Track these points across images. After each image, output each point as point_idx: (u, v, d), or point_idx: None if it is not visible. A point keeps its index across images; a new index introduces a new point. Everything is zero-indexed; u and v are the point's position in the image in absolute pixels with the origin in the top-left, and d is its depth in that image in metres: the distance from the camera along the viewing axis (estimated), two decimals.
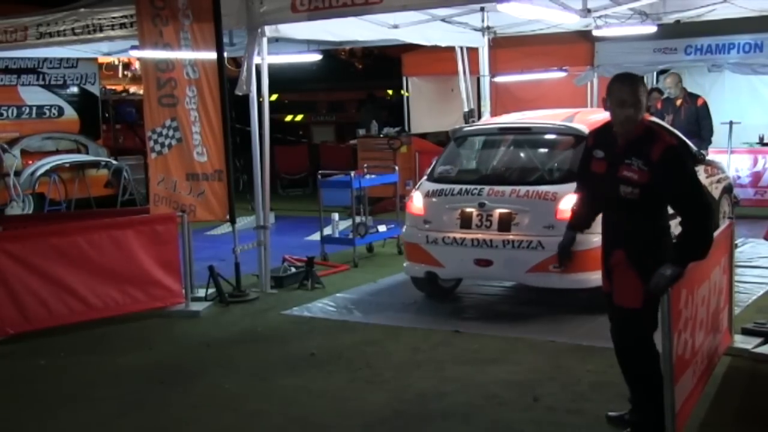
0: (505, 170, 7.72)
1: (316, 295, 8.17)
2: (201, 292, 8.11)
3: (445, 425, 5.03)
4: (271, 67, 8.32)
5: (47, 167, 13.37)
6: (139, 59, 10.05)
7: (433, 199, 7.42)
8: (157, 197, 8.19)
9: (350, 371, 6.00)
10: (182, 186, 8.07)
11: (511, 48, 12.22)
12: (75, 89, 15.29)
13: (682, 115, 10.84)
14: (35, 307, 7.15)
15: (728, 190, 9.52)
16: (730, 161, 11.75)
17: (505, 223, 6.99)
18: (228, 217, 8.10)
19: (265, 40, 8.06)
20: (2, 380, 6.20)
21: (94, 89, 15.66)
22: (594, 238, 5.77)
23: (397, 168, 11.00)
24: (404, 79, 15.55)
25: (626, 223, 4.53)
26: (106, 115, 16.67)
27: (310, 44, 11.27)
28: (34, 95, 14.64)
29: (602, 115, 7.25)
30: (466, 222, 7.16)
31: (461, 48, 11.70)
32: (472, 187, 7.22)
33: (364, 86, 20.92)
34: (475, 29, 11.10)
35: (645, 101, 4.49)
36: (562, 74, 13.02)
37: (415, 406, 5.31)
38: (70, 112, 15.21)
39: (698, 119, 10.75)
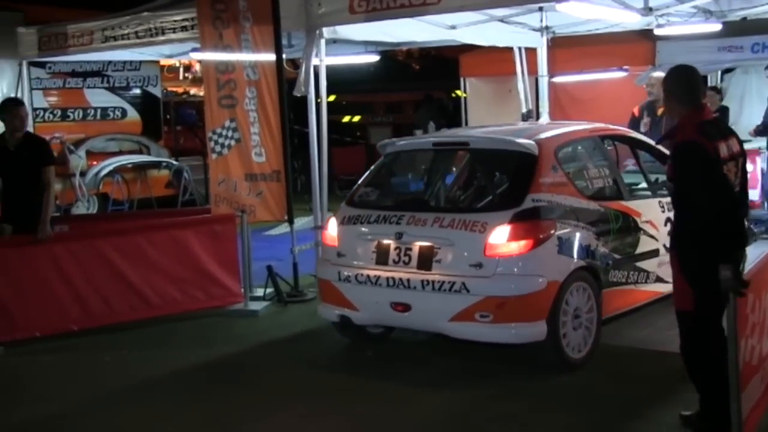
0: (431, 194, 6.83)
1: None
2: (259, 292, 8.20)
3: (502, 426, 5.01)
4: (328, 69, 8.37)
5: (111, 168, 13.64)
6: (199, 61, 10.19)
7: (348, 227, 6.20)
8: (218, 198, 8.29)
9: (408, 372, 6.02)
10: (242, 186, 8.16)
11: (569, 48, 12.08)
12: (138, 91, 15.56)
13: (662, 126, 9.07)
14: (98, 305, 7.32)
15: None
16: None
17: (425, 259, 5.75)
18: (286, 217, 8.17)
19: (323, 41, 8.11)
20: (68, 375, 6.37)
21: (156, 91, 15.91)
22: (540, 279, 5.45)
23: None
24: (462, 79, 15.49)
25: (674, 221, 4.57)
26: (167, 116, 16.93)
27: (367, 45, 11.29)
28: (98, 97, 14.94)
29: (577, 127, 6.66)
30: (382, 256, 5.93)
31: (519, 48, 11.61)
32: (392, 213, 6.01)
33: (422, 87, 20.92)
34: (534, 29, 11.00)
35: (679, 95, 4.53)
36: (622, 74, 12.83)
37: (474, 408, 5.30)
38: (132, 114, 15.48)
39: None
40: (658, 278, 6.55)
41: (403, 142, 6.94)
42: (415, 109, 21.44)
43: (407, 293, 5.74)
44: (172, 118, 17.22)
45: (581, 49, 12.50)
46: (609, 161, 6.66)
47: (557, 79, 12.60)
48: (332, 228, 6.32)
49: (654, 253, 6.50)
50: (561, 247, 5.63)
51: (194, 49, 9.70)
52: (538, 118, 11.43)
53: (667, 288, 6.35)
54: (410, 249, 5.81)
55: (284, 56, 8.25)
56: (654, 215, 6.58)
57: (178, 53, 11.79)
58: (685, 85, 4.56)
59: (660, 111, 9.26)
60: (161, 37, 9.34)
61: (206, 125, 8.44)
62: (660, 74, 9.19)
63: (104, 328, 7.29)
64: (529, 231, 5.54)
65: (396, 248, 5.87)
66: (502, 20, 10.19)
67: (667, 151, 6.96)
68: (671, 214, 6.33)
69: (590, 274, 5.88)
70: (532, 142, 5.95)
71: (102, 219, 11.12)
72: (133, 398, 5.78)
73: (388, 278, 5.81)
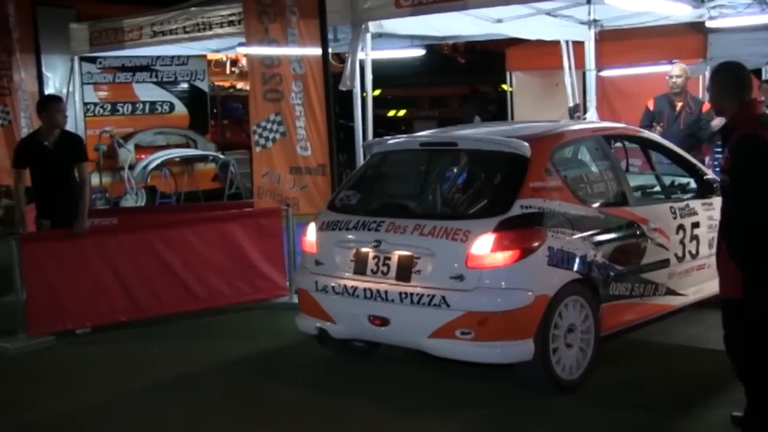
0: (413, 198, 6.30)
1: None
2: None
3: (555, 421, 4.98)
4: (374, 63, 8.37)
5: (159, 161, 13.83)
6: (245, 55, 10.26)
7: (327, 234, 5.80)
8: (261, 190, 8.35)
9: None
10: (286, 179, 8.20)
11: (617, 41, 11.93)
12: (185, 86, 15.73)
13: (681, 122, 8.74)
14: (146, 296, 7.43)
15: None
16: None
17: (404, 270, 5.32)
18: None
19: (369, 35, 8.11)
20: (117, 365, 6.48)
21: (203, 85, 16.07)
22: (527, 293, 5.02)
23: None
24: (508, 73, 15.39)
25: (727, 213, 4.53)
26: (214, 110, 17.10)
27: (413, 39, 11.28)
28: (147, 92, 15.14)
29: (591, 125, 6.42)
30: (360, 265, 5.53)
31: (566, 42, 11.49)
32: (371, 219, 5.59)
33: (467, 81, 20.83)
34: (581, 22, 10.88)
35: (730, 91, 4.54)
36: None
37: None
38: (180, 108, 15.65)
39: (699, 131, 8.71)
40: (669, 290, 6.13)
41: (390, 142, 6.47)
42: (460, 103, 21.37)
43: (385, 306, 5.32)
44: (218, 112, 17.38)
45: (630, 42, 12.33)
46: (613, 163, 6.14)
47: (605, 73, 12.45)
48: (311, 234, 5.92)
49: (664, 264, 6.04)
50: (552, 258, 5.16)
51: (241, 44, 9.78)
52: (585, 112, 11.32)
53: (680, 301, 6.25)
54: (389, 258, 5.40)
55: (330, 50, 8.26)
56: (664, 222, 6.09)
57: (225, 48, 11.89)
58: (737, 81, 4.59)
59: (679, 105, 8.81)
60: (208, 32, 9.43)
61: (251, 119, 8.51)
62: (683, 66, 9.11)
63: (152, 319, 7.39)
64: (515, 240, 5.09)
65: (374, 257, 5.46)
66: (549, 13, 10.10)
67: (683, 152, 6.80)
68: (684, 221, 6.20)
69: (587, 287, 5.41)
70: (524, 143, 5.47)
71: (150, 212, 11.28)
72: (178, 390, 5.85)
73: (365, 289, 5.40)
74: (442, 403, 5.34)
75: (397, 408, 5.29)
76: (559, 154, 5.82)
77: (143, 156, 14.01)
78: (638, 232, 5.85)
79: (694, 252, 6.34)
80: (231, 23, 9.13)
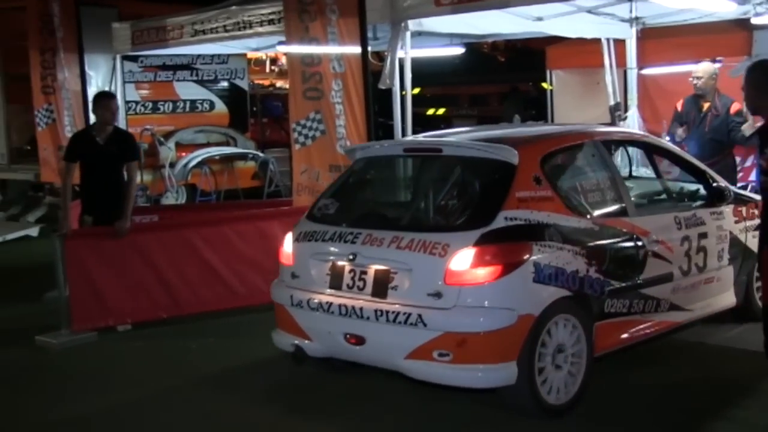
0: (394, 208, 5.94)
1: None
2: None
3: (579, 421, 4.94)
4: (413, 61, 8.35)
5: (199, 159, 13.94)
6: (285, 54, 10.31)
7: (303, 245, 5.48)
8: (300, 187, 8.38)
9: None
10: (325, 177, 8.22)
11: (660, 39, 11.78)
12: (225, 84, 15.84)
13: (706, 125, 8.31)
14: (186, 293, 7.49)
15: None
16: None
17: (380, 286, 4.98)
18: None
19: (408, 34, 8.09)
20: (157, 361, 6.56)
21: (243, 84, 16.17)
22: (510, 312, 4.66)
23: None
24: (548, 72, 15.29)
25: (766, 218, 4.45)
26: (254, 109, 17.19)
27: (452, 38, 11.24)
28: (187, 90, 15.27)
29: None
30: (336, 280, 5.20)
31: (608, 40, 11.38)
32: (348, 230, 5.24)
33: (507, 79, 20.72)
34: (623, 20, 10.76)
35: (759, 89, 4.49)
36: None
37: None
38: (220, 107, 15.77)
39: (730, 133, 8.20)
40: (673, 305, 5.75)
41: (372, 147, 6.13)
42: (500, 102, 21.27)
43: (361, 324, 4.99)
44: (258, 110, 17.48)
45: (672, 40, 12.17)
46: (611, 170, 5.72)
47: (647, 71, 12.31)
48: (287, 245, 5.59)
49: (666, 278, 5.66)
50: (539, 273, 4.79)
51: (281, 42, 9.82)
52: (626, 110, 11.21)
53: (685, 317, 5.89)
54: (365, 273, 5.05)
55: (369, 49, 8.26)
56: (667, 234, 5.70)
57: (265, 46, 11.96)
58: None
59: (705, 106, 8.45)
60: (249, 31, 9.49)
61: (290, 117, 8.55)
62: (707, 66, 8.75)
63: (192, 316, 7.46)
64: (497, 255, 4.72)
65: (350, 271, 5.12)
66: (590, 11, 10.00)
67: (695, 161, 6.45)
68: (690, 231, 5.81)
69: (578, 304, 5.04)
70: (511, 150, 5.10)
71: (190, 209, 11.37)
72: (216, 386, 5.91)
73: (341, 306, 5.06)
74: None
75: None
76: (551, 161, 5.41)
77: (184, 154, 14.14)
78: (638, 245, 5.47)
79: (701, 265, 5.96)
80: (271, 22, 9.18)
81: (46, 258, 7.45)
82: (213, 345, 6.88)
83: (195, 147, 14.57)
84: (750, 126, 7.79)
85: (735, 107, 8.29)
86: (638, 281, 5.46)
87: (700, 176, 6.38)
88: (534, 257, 4.80)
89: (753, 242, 6.02)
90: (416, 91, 15.31)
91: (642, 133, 6.66)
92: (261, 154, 14.95)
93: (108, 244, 7.25)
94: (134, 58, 13.49)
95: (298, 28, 8.23)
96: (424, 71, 12.32)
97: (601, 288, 5.15)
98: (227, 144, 15.19)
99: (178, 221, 8.47)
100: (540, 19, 9.43)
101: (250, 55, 16.04)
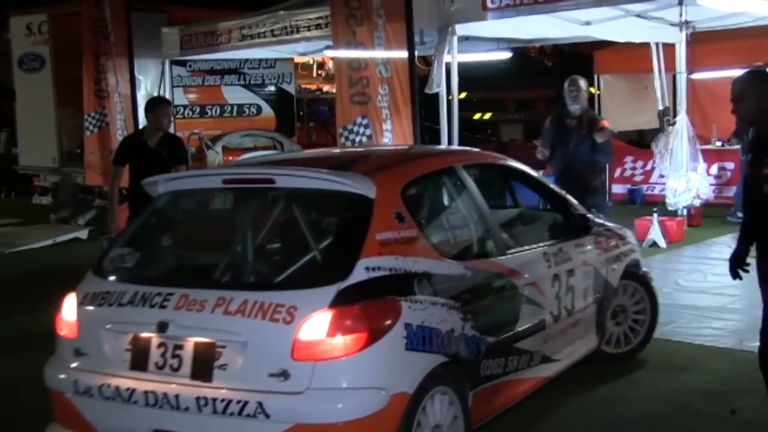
0: (216, 259, 4.32)
1: None
2: None
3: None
4: (460, 66, 8.36)
5: None
6: (332, 59, 10.38)
7: (91, 311, 4.06)
8: None
9: None
10: None
11: (710, 43, 11.66)
12: (272, 88, 15.96)
13: (571, 143, 7.72)
14: None
15: (634, 269, 5.87)
16: None
17: (202, 365, 3.71)
18: None
19: (455, 38, 8.11)
20: None
21: (290, 88, 16.27)
22: (379, 393, 3.58)
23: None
24: (596, 76, 15.19)
25: (763, 228, 4.36)
26: (301, 113, 17.31)
27: (499, 42, 11.23)
28: (235, 94, 15.41)
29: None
30: (140, 358, 3.86)
31: (656, 44, 11.28)
32: (155, 290, 3.90)
33: (554, 84, 20.55)
34: (672, 24, 10.66)
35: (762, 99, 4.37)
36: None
37: (601, 410, 5.18)
38: (267, 111, 15.89)
39: (592, 151, 7.72)
40: (544, 358, 4.84)
41: (182, 179, 4.77)
42: (546, 107, 21.16)
43: (177, 417, 3.70)
44: (305, 114, 17.59)
45: (723, 44, 12.03)
46: (475, 200, 4.70)
47: (696, 76, 12.17)
48: (68, 311, 4.13)
49: (539, 326, 4.74)
50: (411, 339, 3.74)
51: (328, 47, 9.89)
52: (674, 116, 11.09)
53: (554, 369, 4.98)
54: (180, 347, 3.78)
55: (416, 53, 8.29)
56: (539, 274, 4.78)
57: (312, 51, 12.07)
58: None
59: (573, 123, 7.84)
60: (296, 35, 9.59)
61: (337, 121, 8.60)
62: (584, 81, 8.17)
63: None
64: (361, 318, 3.62)
65: (160, 345, 3.82)
66: (639, 15, 9.93)
67: (555, 187, 5.71)
68: (559, 269, 4.96)
69: (454, 371, 4.02)
70: (366, 179, 4.05)
71: None
72: None
73: (147, 393, 3.75)
74: None
75: None
76: (412, 192, 4.43)
77: (231, 158, 14.26)
78: (512, 290, 4.55)
79: (569, 307, 5.07)
80: (318, 26, 9.26)
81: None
82: None
83: (242, 151, 14.68)
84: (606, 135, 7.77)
85: (603, 124, 7.91)
86: (514, 334, 4.55)
87: (560, 204, 5.55)
88: (405, 318, 3.75)
89: (613, 275, 5.53)
90: (463, 95, 15.27)
91: (495, 155, 5.75)
92: None
93: None
94: (182, 63, 13.67)
95: (345, 32, 8.28)
96: (470, 75, 12.32)
97: (477, 348, 4.18)
98: (274, 148, 15.28)
99: None
100: (588, 23, 9.40)
101: (297, 59, 16.15)
